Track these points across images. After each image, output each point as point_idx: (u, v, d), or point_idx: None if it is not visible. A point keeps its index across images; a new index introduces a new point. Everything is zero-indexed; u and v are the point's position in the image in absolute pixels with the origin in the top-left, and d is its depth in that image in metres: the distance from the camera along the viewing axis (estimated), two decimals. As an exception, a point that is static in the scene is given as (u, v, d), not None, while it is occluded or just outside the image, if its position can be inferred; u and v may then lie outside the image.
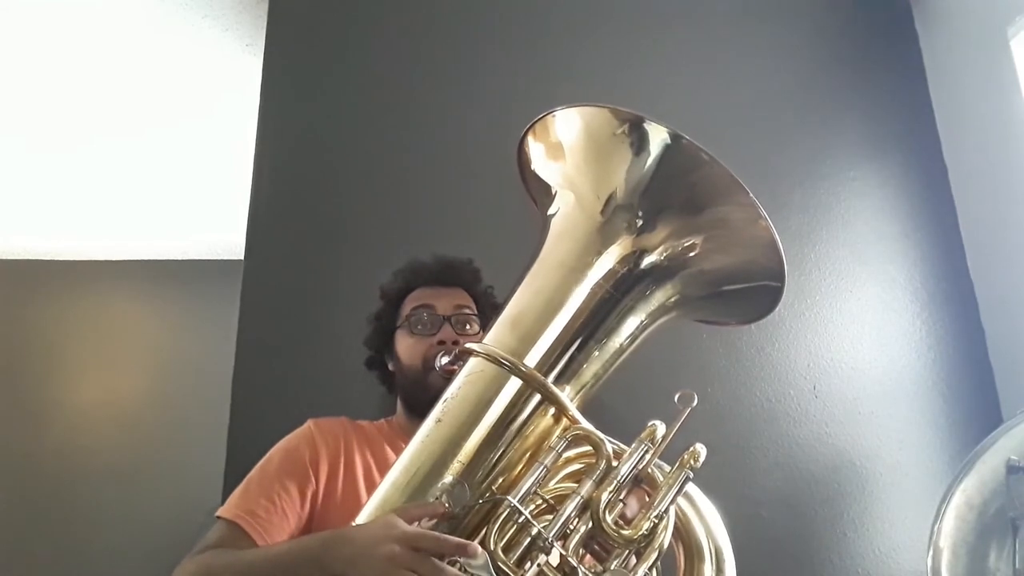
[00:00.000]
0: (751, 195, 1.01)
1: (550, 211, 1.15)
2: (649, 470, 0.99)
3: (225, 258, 4.07)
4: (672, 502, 0.95)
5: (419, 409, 1.38)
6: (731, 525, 1.04)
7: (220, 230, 4.05)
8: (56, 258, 4.35)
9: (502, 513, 0.91)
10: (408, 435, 1.37)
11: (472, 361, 1.05)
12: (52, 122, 3.15)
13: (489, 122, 2.06)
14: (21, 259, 4.34)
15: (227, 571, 1.07)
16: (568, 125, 1.14)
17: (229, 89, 2.95)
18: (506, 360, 1.00)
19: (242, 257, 1.92)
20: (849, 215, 2.09)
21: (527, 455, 1.01)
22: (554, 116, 1.13)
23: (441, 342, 1.36)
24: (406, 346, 1.41)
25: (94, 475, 3.98)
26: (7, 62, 2.79)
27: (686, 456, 0.97)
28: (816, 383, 1.94)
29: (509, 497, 0.92)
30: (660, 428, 1.00)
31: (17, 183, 3.62)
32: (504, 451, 0.99)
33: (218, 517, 1.22)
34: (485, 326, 1.43)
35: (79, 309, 4.33)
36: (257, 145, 2.03)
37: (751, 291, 1.13)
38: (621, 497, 0.97)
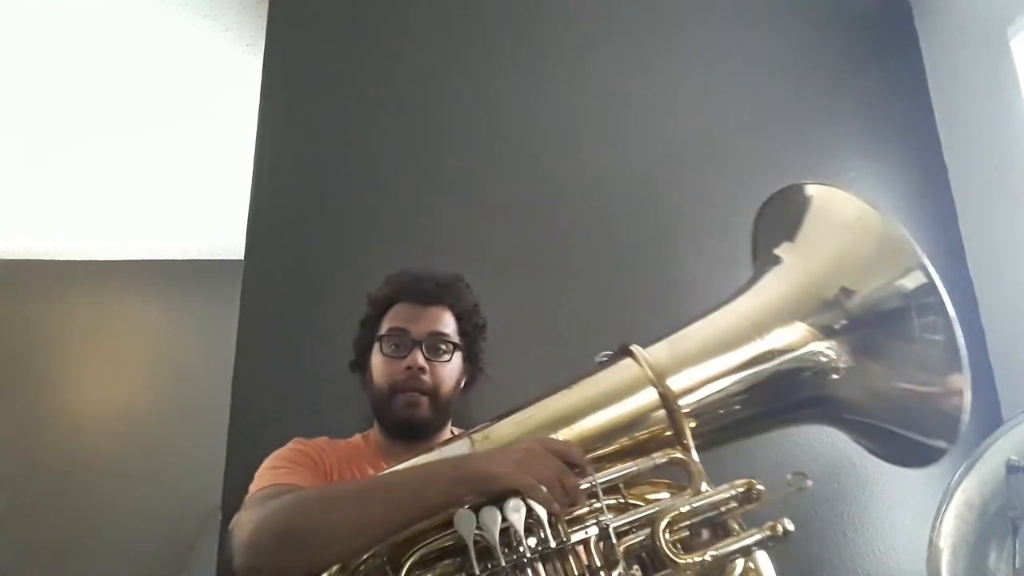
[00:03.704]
0: (967, 369, 0.97)
1: (765, 264, 1.16)
2: (729, 521, 0.98)
3: (225, 258, 4.06)
4: (736, 553, 0.94)
5: (386, 425, 1.39)
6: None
7: (220, 230, 4.05)
8: (56, 258, 4.36)
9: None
10: (385, 453, 1.38)
11: (627, 358, 1.08)
12: (52, 122, 3.15)
13: (490, 122, 2.06)
14: (21, 259, 4.34)
15: (332, 502, 0.96)
16: (824, 203, 1.18)
17: (229, 89, 2.95)
18: (651, 370, 1.03)
19: (242, 257, 1.92)
20: (849, 215, 2.08)
21: (627, 458, 1.01)
22: (807, 187, 1.18)
23: (408, 367, 1.35)
24: (377, 364, 1.40)
25: (94, 475, 3.98)
26: (7, 62, 2.79)
27: (774, 523, 0.95)
28: (816, 383, 1.93)
29: (594, 477, 0.94)
30: (758, 487, 0.99)
31: (17, 183, 3.62)
32: (609, 444, 1.02)
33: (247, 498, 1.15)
34: (467, 346, 1.44)
35: (79, 309, 4.33)
36: (257, 145, 2.03)
37: (910, 442, 1.09)
38: (688, 524, 0.96)
